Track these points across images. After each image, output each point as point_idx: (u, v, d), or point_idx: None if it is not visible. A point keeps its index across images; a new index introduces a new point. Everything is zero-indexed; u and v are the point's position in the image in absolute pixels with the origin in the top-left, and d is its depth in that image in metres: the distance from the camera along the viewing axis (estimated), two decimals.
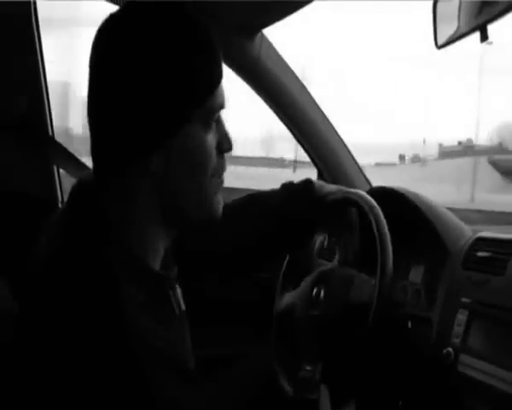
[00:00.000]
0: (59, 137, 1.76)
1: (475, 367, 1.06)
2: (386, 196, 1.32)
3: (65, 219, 0.75)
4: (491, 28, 0.82)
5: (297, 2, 1.33)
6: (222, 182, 0.81)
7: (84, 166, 1.62)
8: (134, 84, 0.71)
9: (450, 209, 1.36)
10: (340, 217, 1.17)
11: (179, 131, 0.73)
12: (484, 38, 0.83)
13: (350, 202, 1.14)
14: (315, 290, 1.18)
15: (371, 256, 1.10)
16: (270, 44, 1.58)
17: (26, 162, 1.70)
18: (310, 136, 1.72)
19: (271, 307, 1.32)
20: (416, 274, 1.26)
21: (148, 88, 0.70)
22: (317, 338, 1.19)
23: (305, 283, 1.22)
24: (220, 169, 0.80)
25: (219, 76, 0.77)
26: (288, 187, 1.16)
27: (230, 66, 1.54)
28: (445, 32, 0.93)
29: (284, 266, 1.34)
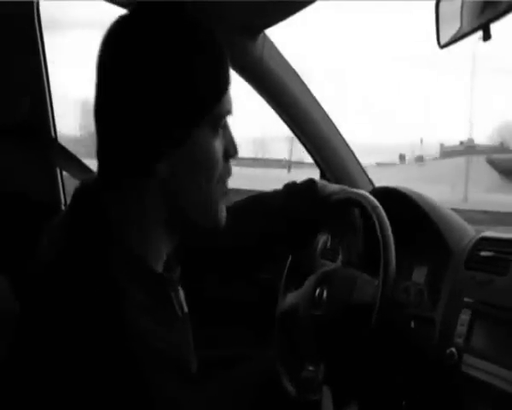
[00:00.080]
0: None
1: (478, 367, 1.06)
2: (389, 196, 1.32)
3: (68, 222, 0.75)
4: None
5: (299, 2, 1.33)
6: (227, 189, 0.81)
7: (87, 168, 1.62)
8: (141, 90, 0.70)
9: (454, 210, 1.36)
10: (344, 217, 1.17)
11: (187, 138, 0.73)
12: (486, 37, 0.83)
13: (353, 203, 1.14)
14: (318, 291, 1.18)
15: (374, 257, 1.10)
16: (272, 45, 1.58)
17: (29, 164, 1.70)
18: (312, 136, 1.72)
19: (274, 307, 1.32)
20: (419, 274, 1.26)
21: (155, 94, 0.70)
22: (319, 339, 1.19)
23: (308, 283, 1.22)
24: (226, 175, 0.80)
25: (227, 83, 0.78)
26: (291, 187, 1.16)
27: (233, 66, 1.53)
28: (448, 31, 0.93)
29: (287, 266, 1.34)
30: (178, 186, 0.74)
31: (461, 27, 0.90)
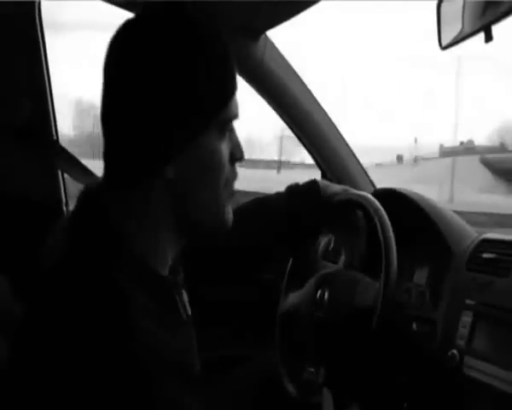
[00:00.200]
0: None
1: (480, 369, 1.05)
2: (391, 197, 1.32)
3: (72, 226, 0.75)
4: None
5: (300, 4, 1.33)
6: (233, 191, 0.82)
7: (88, 171, 1.62)
8: (149, 94, 0.70)
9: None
10: (346, 218, 1.17)
11: (195, 142, 0.73)
12: (488, 38, 0.83)
13: (355, 204, 1.14)
14: (319, 292, 1.18)
15: (376, 259, 1.10)
16: (273, 46, 1.58)
17: (31, 166, 1.70)
18: (313, 137, 1.72)
19: (275, 308, 1.32)
20: (421, 276, 1.26)
21: (163, 97, 0.70)
22: (320, 340, 1.19)
23: (310, 284, 1.22)
24: (232, 178, 0.81)
25: (234, 87, 0.78)
26: (294, 189, 1.16)
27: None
28: (450, 32, 0.93)
29: (289, 267, 1.34)
30: (185, 188, 0.75)
31: (462, 29, 0.90)
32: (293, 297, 1.26)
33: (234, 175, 0.81)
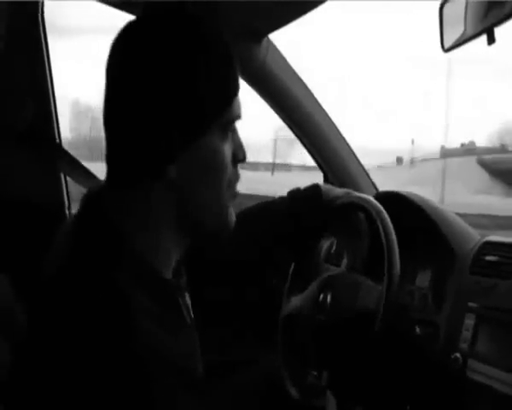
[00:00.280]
0: None
1: (483, 372, 1.05)
2: (393, 200, 1.32)
3: (76, 229, 0.75)
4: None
5: (303, 7, 1.33)
6: (236, 193, 0.82)
7: (90, 174, 1.62)
8: (152, 95, 0.71)
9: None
10: (348, 222, 1.17)
11: (198, 142, 0.73)
12: (491, 41, 0.83)
13: (357, 207, 1.14)
14: (322, 295, 1.18)
15: (378, 262, 1.10)
16: (275, 49, 1.58)
17: (34, 169, 1.71)
18: (315, 139, 1.72)
19: (278, 311, 1.31)
20: (423, 279, 1.26)
21: (166, 98, 0.70)
22: (322, 343, 1.19)
23: (312, 287, 1.22)
24: (234, 179, 0.81)
25: (237, 88, 0.78)
26: (296, 193, 1.16)
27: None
28: (452, 35, 0.93)
29: (291, 270, 1.33)
30: (187, 189, 0.74)
31: (465, 31, 0.90)
32: (296, 300, 1.26)
33: (236, 176, 0.81)
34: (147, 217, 0.74)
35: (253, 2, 1.32)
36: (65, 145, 1.77)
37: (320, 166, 1.78)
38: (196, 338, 0.85)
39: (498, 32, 0.82)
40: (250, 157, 0.85)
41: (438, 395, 1.16)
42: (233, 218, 0.82)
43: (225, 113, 0.75)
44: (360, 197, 1.14)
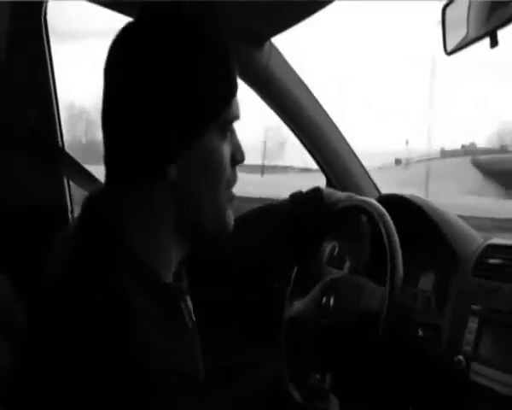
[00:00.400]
0: None
1: (487, 375, 1.05)
2: (396, 203, 1.32)
3: (77, 233, 0.75)
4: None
5: (306, 10, 1.33)
6: (233, 195, 0.82)
7: (93, 178, 1.62)
8: (151, 95, 0.71)
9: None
10: (351, 225, 1.17)
11: (197, 142, 0.73)
12: (494, 43, 0.83)
13: (359, 210, 1.14)
14: (324, 298, 1.18)
15: (381, 264, 1.10)
16: (278, 52, 1.58)
17: (36, 173, 1.71)
18: (317, 142, 1.72)
19: (281, 315, 1.31)
20: (426, 281, 1.26)
21: (165, 99, 0.71)
22: (325, 347, 1.19)
23: (315, 290, 1.21)
24: (232, 180, 0.81)
25: (235, 88, 0.78)
26: (297, 196, 1.16)
27: (238, 73, 1.54)
28: (455, 37, 0.93)
29: (294, 273, 1.33)
30: (187, 189, 0.74)
31: (467, 34, 0.90)
32: (299, 304, 1.26)
33: (234, 177, 0.81)
34: (147, 218, 0.74)
35: (255, 6, 1.32)
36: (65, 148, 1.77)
37: (322, 169, 1.78)
38: (198, 342, 0.84)
39: (501, 34, 0.83)
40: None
41: (441, 397, 1.16)
42: (231, 219, 0.81)
43: (224, 113, 0.76)
44: (362, 200, 1.14)
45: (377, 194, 1.74)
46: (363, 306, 1.12)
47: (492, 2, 0.83)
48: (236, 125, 0.80)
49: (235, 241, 1.12)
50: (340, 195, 1.17)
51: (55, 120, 1.71)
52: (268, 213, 1.18)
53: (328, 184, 1.78)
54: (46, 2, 1.62)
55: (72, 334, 0.63)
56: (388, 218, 1.08)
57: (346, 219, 1.16)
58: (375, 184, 1.78)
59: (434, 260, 1.26)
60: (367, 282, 1.15)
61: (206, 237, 0.83)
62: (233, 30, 1.43)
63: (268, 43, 1.55)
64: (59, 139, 1.73)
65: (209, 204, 0.77)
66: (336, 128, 1.73)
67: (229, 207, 0.81)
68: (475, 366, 1.08)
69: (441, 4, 0.97)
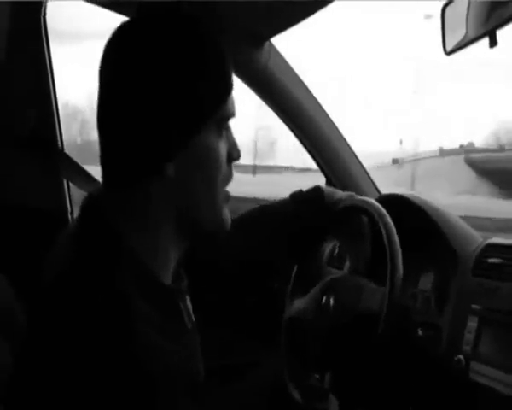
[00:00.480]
0: None
1: (487, 375, 1.05)
2: (396, 203, 1.32)
3: (77, 234, 0.75)
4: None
5: (305, 10, 1.33)
6: (229, 193, 0.82)
7: (92, 178, 1.62)
8: (148, 93, 0.71)
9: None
10: (352, 224, 1.17)
11: (194, 140, 0.73)
12: (493, 43, 0.83)
13: (360, 210, 1.14)
14: (324, 298, 1.18)
15: (381, 264, 1.10)
16: (277, 52, 1.58)
17: (36, 174, 1.71)
18: (317, 143, 1.72)
19: (281, 314, 1.31)
20: (426, 281, 1.26)
21: (162, 96, 0.71)
22: (325, 346, 1.19)
23: (315, 290, 1.22)
24: (228, 178, 0.81)
25: (231, 84, 0.78)
26: (298, 196, 1.16)
27: (238, 74, 1.54)
28: (454, 38, 0.93)
29: (294, 273, 1.33)
30: (184, 187, 0.75)
31: (467, 34, 0.90)
32: (299, 303, 1.26)
33: (230, 175, 0.81)
34: (146, 218, 0.74)
35: (255, 7, 1.32)
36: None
37: (322, 169, 1.78)
38: (197, 342, 0.84)
39: (500, 34, 0.83)
40: None
41: (441, 397, 1.16)
42: (228, 218, 0.82)
43: (220, 110, 0.76)
44: (363, 200, 1.14)
45: (377, 194, 1.74)
46: (363, 306, 1.12)
47: (492, 2, 0.83)
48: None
49: (236, 241, 1.12)
50: (341, 194, 1.17)
51: (54, 120, 1.71)
52: (268, 212, 1.18)
53: (328, 183, 1.78)
54: (45, 3, 1.62)
55: (72, 334, 0.63)
56: (388, 218, 1.08)
57: (347, 218, 1.16)
58: (374, 184, 1.78)
59: (434, 259, 1.26)
60: (367, 282, 1.15)
61: (204, 235, 0.83)
62: (233, 30, 1.43)
63: (267, 43, 1.55)
64: (58, 140, 1.73)
65: (206, 202, 0.77)
66: (336, 128, 1.73)
67: (226, 206, 0.81)
68: (475, 365, 1.08)
69: (440, 4, 0.97)
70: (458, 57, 0.95)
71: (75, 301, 0.65)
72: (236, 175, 0.85)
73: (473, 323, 1.11)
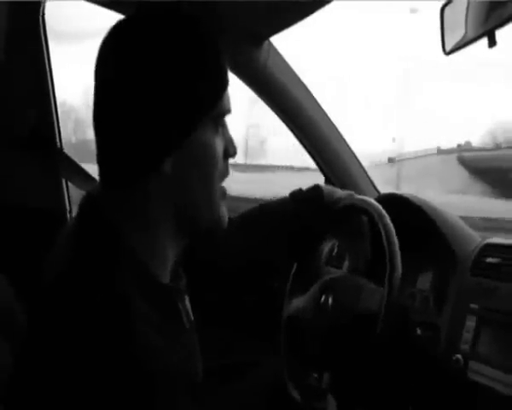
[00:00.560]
0: None
1: (485, 374, 1.05)
2: (395, 202, 1.32)
3: (75, 233, 0.75)
4: None
5: (304, 10, 1.33)
6: (225, 189, 0.82)
7: (91, 178, 1.62)
8: (144, 92, 0.71)
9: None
10: (351, 223, 1.17)
11: (190, 136, 0.73)
12: (492, 43, 0.83)
13: (359, 210, 1.14)
14: (323, 298, 1.18)
15: (380, 264, 1.10)
16: (276, 52, 1.58)
17: (35, 174, 1.71)
18: (316, 142, 1.72)
19: (280, 314, 1.31)
20: (425, 281, 1.26)
21: (157, 94, 0.71)
22: (324, 346, 1.19)
23: (314, 289, 1.22)
24: (224, 174, 0.81)
25: (227, 81, 0.79)
26: (298, 195, 1.16)
27: (237, 73, 1.55)
28: (453, 37, 0.93)
29: (293, 271, 1.33)
30: (182, 184, 0.75)
31: (466, 34, 0.90)
32: (298, 302, 1.26)
33: (226, 171, 0.82)
34: (144, 216, 0.74)
35: (254, 6, 1.32)
36: None
37: (321, 169, 1.78)
38: (196, 341, 0.84)
39: (499, 34, 0.83)
40: None
41: (439, 396, 1.16)
42: (225, 214, 0.82)
43: (216, 106, 0.76)
44: (363, 200, 1.14)
45: (376, 193, 1.74)
46: (362, 306, 1.12)
47: (491, 2, 0.83)
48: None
49: (235, 240, 1.12)
50: (341, 193, 1.17)
51: (53, 119, 1.71)
52: (267, 211, 1.18)
53: (327, 182, 1.78)
54: (44, 2, 1.62)
55: (72, 335, 0.63)
56: (388, 219, 1.08)
57: (347, 217, 1.16)
58: (373, 183, 1.78)
59: (433, 259, 1.27)
60: (366, 282, 1.15)
61: (202, 232, 0.83)
62: (232, 29, 1.43)
63: (266, 42, 1.55)
64: (57, 139, 1.73)
65: (203, 198, 0.77)
66: (335, 128, 1.73)
67: (223, 202, 0.81)
68: (473, 364, 1.08)
69: (439, 4, 0.97)
70: (456, 57, 0.95)
71: (75, 302, 0.65)
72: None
73: (471, 322, 1.11)
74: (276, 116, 1.71)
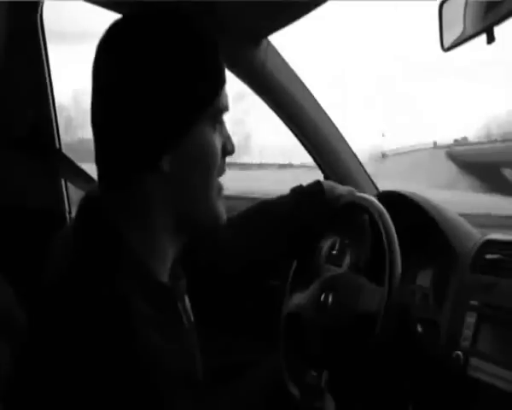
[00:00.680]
0: None
1: (485, 370, 1.05)
2: (395, 200, 1.32)
3: (75, 234, 0.75)
4: None
5: (302, 9, 1.33)
6: (222, 186, 0.82)
7: (90, 178, 1.62)
8: (141, 90, 0.71)
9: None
10: (352, 220, 1.17)
11: (189, 133, 0.73)
12: (490, 40, 0.83)
13: (360, 208, 1.14)
14: (323, 296, 1.18)
15: (380, 262, 1.10)
16: (275, 51, 1.58)
17: (34, 174, 1.71)
18: (316, 141, 1.72)
19: (280, 312, 1.31)
20: (425, 278, 1.26)
21: (156, 92, 0.71)
22: (323, 344, 1.19)
23: (314, 286, 1.22)
24: (221, 171, 0.81)
25: (224, 78, 0.79)
26: (299, 191, 1.16)
27: (236, 72, 1.55)
28: (451, 34, 0.93)
29: (292, 269, 1.33)
30: (180, 181, 0.75)
31: (464, 30, 0.90)
32: (298, 298, 1.26)
33: (223, 168, 0.82)
34: (143, 214, 0.74)
35: (252, 5, 1.32)
36: None
37: (320, 167, 1.78)
38: (196, 341, 0.84)
39: (497, 31, 0.83)
40: None
41: (439, 393, 1.16)
42: (223, 211, 0.82)
43: (214, 103, 0.76)
44: (363, 198, 1.14)
45: (374, 189, 1.74)
46: (362, 305, 1.12)
47: (488, 0, 0.83)
48: None
49: (236, 239, 1.12)
50: (341, 189, 1.17)
51: (52, 119, 1.71)
52: (268, 208, 1.18)
53: (326, 179, 1.78)
54: (42, 3, 1.62)
55: (73, 335, 0.63)
56: (387, 217, 1.09)
57: (348, 215, 1.16)
58: (373, 182, 1.78)
59: (433, 256, 1.27)
60: (366, 281, 1.15)
61: (200, 230, 0.83)
62: (230, 28, 1.43)
63: (265, 41, 1.55)
64: (56, 139, 1.73)
65: (202, 195, 0.78)
66: (334, 125, 1.73)
67: (220, 199, 0.81)
68: (473, 361, 1.08)
69: (438, 2, 0.97)
70: (452, 54, 0.95)
71: (75, 302, 0.65)
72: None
73: (471, 319, 1.11)
74: (260, 112, 1.71)
